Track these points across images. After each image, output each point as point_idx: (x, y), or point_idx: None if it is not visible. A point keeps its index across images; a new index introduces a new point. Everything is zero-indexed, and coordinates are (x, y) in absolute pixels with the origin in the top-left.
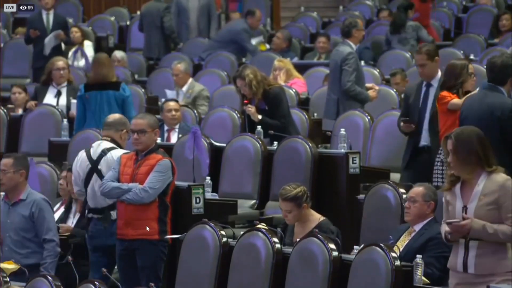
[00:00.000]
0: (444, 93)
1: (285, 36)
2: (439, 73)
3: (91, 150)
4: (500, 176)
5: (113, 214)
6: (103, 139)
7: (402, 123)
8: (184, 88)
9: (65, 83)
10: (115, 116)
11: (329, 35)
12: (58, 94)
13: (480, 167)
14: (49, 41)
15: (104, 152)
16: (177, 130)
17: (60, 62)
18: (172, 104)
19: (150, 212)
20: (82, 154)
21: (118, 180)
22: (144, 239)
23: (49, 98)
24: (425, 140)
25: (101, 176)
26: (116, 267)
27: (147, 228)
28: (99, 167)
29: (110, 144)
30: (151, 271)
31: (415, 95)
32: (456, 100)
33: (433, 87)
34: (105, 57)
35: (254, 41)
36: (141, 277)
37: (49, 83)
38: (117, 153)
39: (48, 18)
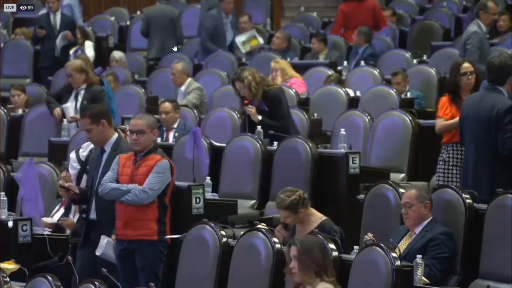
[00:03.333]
0: (441, 101)
1: (285, 36)
2: (115, 136)
3: (80, 151)
4: (323, 285)
5: None
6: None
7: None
8: (183, 88)
9: (84, 86)
10: None
11: (326, 35)
12: (76, 96)
13: (319, 275)
14: (59, 42)
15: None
16: (175, 129)
17: (69, 67)
18: (163, 106)
19: (149, 212)
20: (72, 155)
21: (117, 181)
22: (144, 240)
23: (70, 100)
24: (93, 213)
25: None
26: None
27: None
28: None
29: None
30: (151, 271)
31: (94, 160)
32: (437, 121)
33: (106, 153)
34: (81, 58)
35: (244, 37)
36: (140, 278)
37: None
38: None
39: (56, 19)
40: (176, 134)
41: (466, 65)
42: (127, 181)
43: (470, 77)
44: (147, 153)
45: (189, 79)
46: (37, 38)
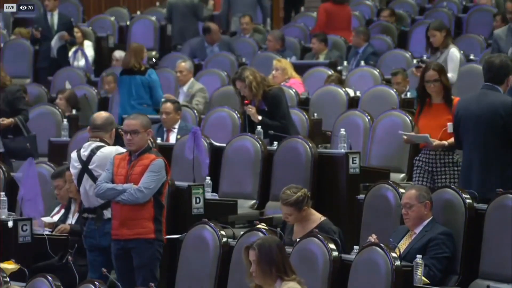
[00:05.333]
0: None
1: (276, 36)
2: None
3: (82, 151)
4: (286, 286)
5: (106, 213)
6: (91, 140)
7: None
8: (185, 88)
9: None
10: (102, 117)
11: (326, 35)
12: None
13: (279, 277)
14: (54, 43)
15: (93, 152)
16: (175, 130)
17: None
18: (165, 106)
19: (145, 211)
20: (73, 154)
21: (112, 181)
22: (140, 239)
23: None
24: None
25: (92, 176)
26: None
27: None
28: (89, 167)
29: (99, 143)
30: (147, 270)
31: None
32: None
33: None
34: (132, 46)
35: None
36: (137, 277)
37: None
38: (106, 149)
39: (53, 18)
40: (179, 137)
41: (430, 73)
42: (122, 181)
43: (431, 85)
44: (142, 153)
45: (192, 79)
46: (34, 39)
